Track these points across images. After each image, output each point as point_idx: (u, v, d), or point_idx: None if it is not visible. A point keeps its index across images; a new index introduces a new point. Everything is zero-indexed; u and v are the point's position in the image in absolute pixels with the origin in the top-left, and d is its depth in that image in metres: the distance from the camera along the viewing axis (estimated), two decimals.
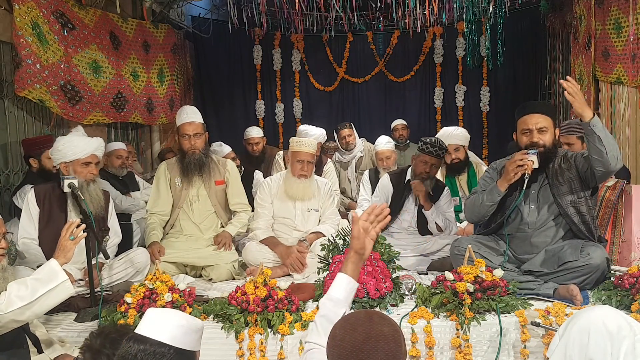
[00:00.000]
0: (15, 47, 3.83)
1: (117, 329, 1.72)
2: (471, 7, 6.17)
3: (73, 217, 3.10)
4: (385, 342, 1.29)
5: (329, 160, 4.90)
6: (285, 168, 4.52)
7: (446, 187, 3.80)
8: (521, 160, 2.74)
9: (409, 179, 3.73)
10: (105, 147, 4.66)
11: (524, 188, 2.76)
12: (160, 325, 1.43)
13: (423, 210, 3.65)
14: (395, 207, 3.72)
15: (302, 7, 5.69)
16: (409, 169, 3.80)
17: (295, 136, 4.09)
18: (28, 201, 3.10)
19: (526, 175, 2.74)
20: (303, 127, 4.94)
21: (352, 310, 1.56)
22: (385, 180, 3.86)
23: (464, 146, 4.27)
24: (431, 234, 3.73)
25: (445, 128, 4.40)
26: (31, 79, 3.92)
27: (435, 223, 3.66)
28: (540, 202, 2.87)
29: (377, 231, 1.71)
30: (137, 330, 1.44)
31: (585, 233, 2.84)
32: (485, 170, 3.20)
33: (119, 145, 4.67)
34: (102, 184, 4.20)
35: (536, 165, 2.74)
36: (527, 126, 2.80)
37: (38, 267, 2.92)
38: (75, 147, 3.07)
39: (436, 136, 4.28)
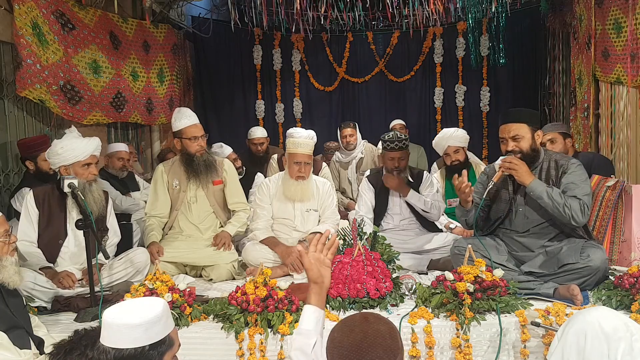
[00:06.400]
0: (16, 47, 3.83)
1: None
2: (472, 7, 6.16)
3: (73, 217, 3.11)
4: (382, 338, 1.34)
5: (324, 164, 4.89)
6: (280, 170, 4.51)
7: (425, 172, 3.88)
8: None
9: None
10: (107, 148, 4.73)
11: (492, 183, 2.90)
12: (118, 334, 1.43)
13: (405, 199, 3.67)
14: (382, 205, 3.79)
15: (302, 7, 5.68)
16: (383, 167, 3.85)
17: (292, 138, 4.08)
18: (27, 204, 3.08)
19: (491, 184, 2.89)
20: (292, 130, 4.93)
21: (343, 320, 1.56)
22: (365, 183, 3.91)
23: (463, 148, 4.27)
24: (436, 230, 3.76)
25: (445, 130, 4.39)
26: (31, 79, 3.92)
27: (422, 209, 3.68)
28: (529, 206, 2.91)
29: (330, 257, 1.72)
30: (101, 340, 1.46)
31: (579, 233, 2.87)
32: (479, 175, 3.26)
33: (121, 147, 4.66)
34: (101, 184, 4.21)
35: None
36: (502, 135, 2.95)
37: (40, 269, 2.94)
38: (75, 149, 3.05)
39: (436, 137, 4.31)
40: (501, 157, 2.89)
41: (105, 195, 3.31)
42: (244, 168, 5.03)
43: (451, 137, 4.21)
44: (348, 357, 1.33)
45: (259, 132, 5.53)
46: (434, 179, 4.19)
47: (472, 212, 3.03)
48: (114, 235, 3.35)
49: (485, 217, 3.11)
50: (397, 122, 6.04)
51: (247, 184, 3.99)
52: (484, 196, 2.94)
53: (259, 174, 4.99)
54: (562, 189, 2.81)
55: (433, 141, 4.38)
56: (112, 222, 3.36)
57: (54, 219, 3.11)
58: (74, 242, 3.14)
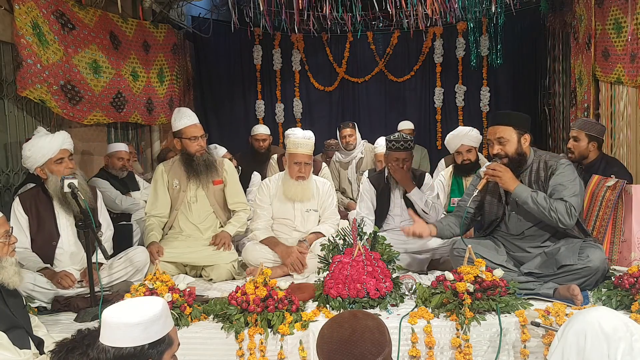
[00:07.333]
0: (16, 47, 3.83)
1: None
2: (472, 7, 6.16)
3: (62, 218, 3.10)
4: (370, 332, 1.37)
5: (324, 165, 4.89)
6: (280, 170, 4.51)
7: (427, 174, 3.87)
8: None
9: (388, 176, 3.77)
10: (107, 148, 4.73)
11: (477, 191, 2.96)
12: (117, 333, 1.43)
13: (407, 194, 3.66)
14: (383, 206, 3.77)
15: (302, 7, 5.68)
16: (385, 168, 3.83)
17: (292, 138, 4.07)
18: (15, 211, 3.04)
19: (475, 192, 2.96)
20: (289, 131, 4.90)
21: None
22: (366, 184, 3.89)
23: (475, 148, 4.28)
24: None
25: (460, 128, 4.39)
26: (32, 79, 3.92)
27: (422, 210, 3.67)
28: (521, 209, 2.90)
29: None
30: (101, 340, 1.46)
31: (574, 233, 2.87)
32: (473, 178, 3.27)
33: (121, 147, 4.66)
34: (100, 184, 4.21)
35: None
36: (489, 137, 2.96)
37: (38, 271, 2.94)
38: (42, 148, 2.99)
39: (452, 134, 4.31)
40: (486, 164, 2.90)
41: (93, 190, 3.29)
42: (240, 168, 5.04)
43: (465, 136, 4.21)
44: (337, 351, 1.35)
45: (262, 129, 5.57)
46: (435, 182, 4.18)
47: (451, 223, 3.12)
48: (107, 228, 3.34)
49: (471, 219, 3.16)
50: (406, 127, 6.03)
51: (244, 183, 4.00)
52: (468, 204, 2.99)
53: (255, 172, 5.00)
54: (550, 190, 2.80)
55: (446, 138, 4.37)
56: (104, 215, 3.35)
57: (44, 221, 3.08)
58: (68, 242, 3.13)
